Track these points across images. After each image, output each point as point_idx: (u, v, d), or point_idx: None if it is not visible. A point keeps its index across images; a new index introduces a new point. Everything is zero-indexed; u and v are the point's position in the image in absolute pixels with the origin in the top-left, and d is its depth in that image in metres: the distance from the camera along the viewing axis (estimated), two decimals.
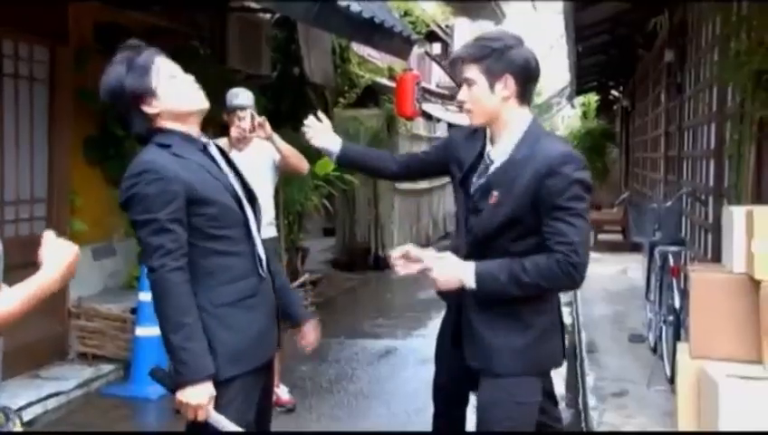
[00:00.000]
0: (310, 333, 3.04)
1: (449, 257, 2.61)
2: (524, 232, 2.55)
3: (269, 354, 2.66)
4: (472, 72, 2.57)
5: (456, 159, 2.78)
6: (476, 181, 2.66)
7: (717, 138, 5.63)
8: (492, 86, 2.55)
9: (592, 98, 18.44)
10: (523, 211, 2.51)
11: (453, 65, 2.66)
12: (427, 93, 14.07)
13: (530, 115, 2.62)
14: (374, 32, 7.55)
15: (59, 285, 1.92)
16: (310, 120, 3.10)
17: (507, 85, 2.55)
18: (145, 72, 2.53)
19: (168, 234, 2.41)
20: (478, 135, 2.74)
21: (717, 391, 3.44)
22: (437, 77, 17.89)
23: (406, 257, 2.66)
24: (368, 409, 5.26)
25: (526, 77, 2.59)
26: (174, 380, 2.41)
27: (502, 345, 2.62)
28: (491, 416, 2.64)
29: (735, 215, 3.79)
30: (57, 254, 1.94)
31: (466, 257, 2.61)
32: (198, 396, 2.38)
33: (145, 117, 2.55)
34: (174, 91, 2.56)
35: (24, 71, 5.68)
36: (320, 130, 3.07)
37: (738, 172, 4.61)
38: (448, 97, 15.97)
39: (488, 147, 2.66)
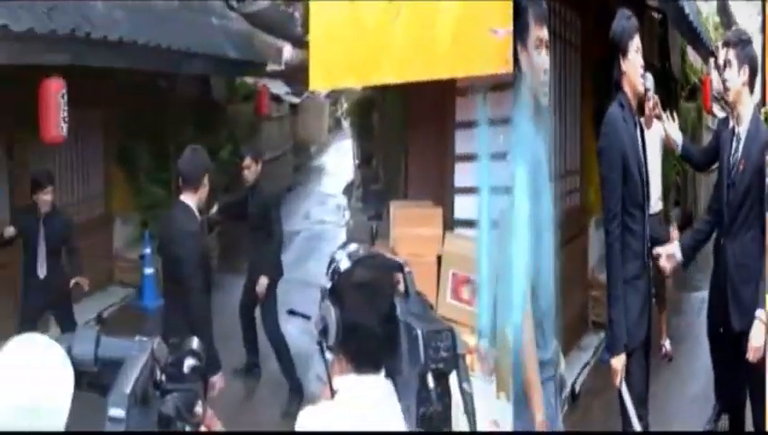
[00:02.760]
0: None
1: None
2: (755, 200, 2.69)
3: (639, 339, 2.49)
4: (729, 54, 2.61)
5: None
6: (731, 159, 2.69)
7: None
8: (738, 69, 2.78)
9: None
10: (755, 178, 2.67)
11: (726, 45, 2.76)
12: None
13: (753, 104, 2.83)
14: None
15: None
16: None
17: (745, 72, 2.78)
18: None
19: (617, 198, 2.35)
20: (723, 128, 3.00)
21: None
22: None
23: None
24: None
25: (755, 71, 2.77)
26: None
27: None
28: None
29: None
30: None
31: (727, 233, 2.68)
32: (618, 362, 2.43)
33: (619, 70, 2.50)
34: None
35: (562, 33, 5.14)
36: None
37: None
38: None
39: (736, 128, 2.88)
